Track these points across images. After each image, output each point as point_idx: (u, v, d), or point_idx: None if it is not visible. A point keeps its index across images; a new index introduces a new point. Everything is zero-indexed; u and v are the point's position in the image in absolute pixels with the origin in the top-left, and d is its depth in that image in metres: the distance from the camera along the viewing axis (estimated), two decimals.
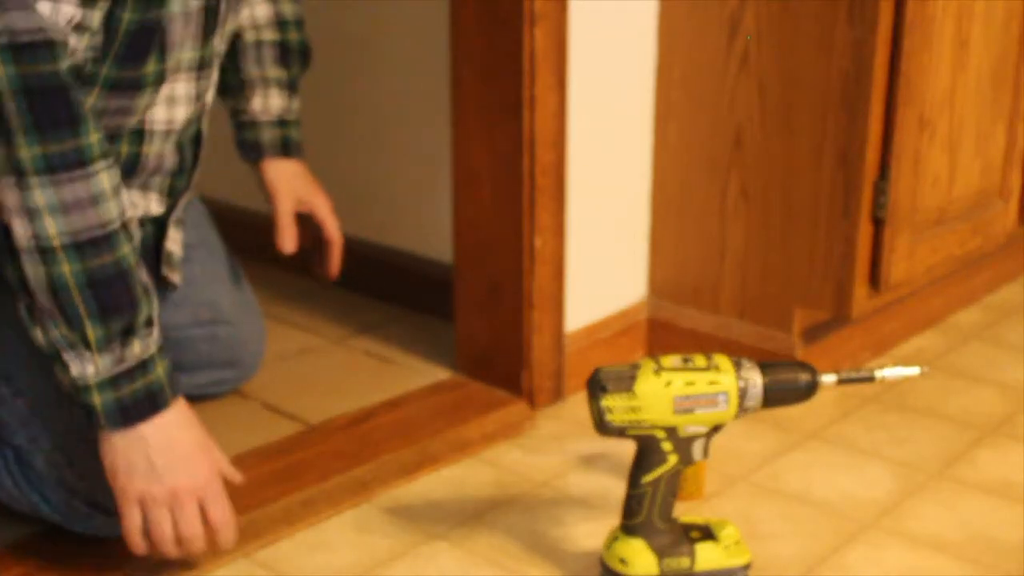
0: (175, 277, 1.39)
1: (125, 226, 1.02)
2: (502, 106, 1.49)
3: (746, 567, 1.18)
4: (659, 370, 1.11)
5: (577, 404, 1.61)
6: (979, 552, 1.26)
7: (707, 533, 1.18)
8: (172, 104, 1.21)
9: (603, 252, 1.67)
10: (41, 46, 0.95)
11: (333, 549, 1.26)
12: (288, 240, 1.48)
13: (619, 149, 1.66)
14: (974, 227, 1.83)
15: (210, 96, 1.28)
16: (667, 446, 1.13)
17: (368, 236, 2.02)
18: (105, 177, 1.00)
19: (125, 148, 1.20)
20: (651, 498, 1.14)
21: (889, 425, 1.56)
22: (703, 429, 1.13)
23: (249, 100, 1.48)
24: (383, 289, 1.98)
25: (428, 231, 1.89)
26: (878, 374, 1.16)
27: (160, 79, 1.15)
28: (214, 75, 1.26)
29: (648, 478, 1.14)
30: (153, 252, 1.35)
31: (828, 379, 1.15)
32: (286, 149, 1.50)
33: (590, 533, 1.29)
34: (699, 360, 1.13)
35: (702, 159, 1.65)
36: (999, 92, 1.80)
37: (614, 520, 1.18)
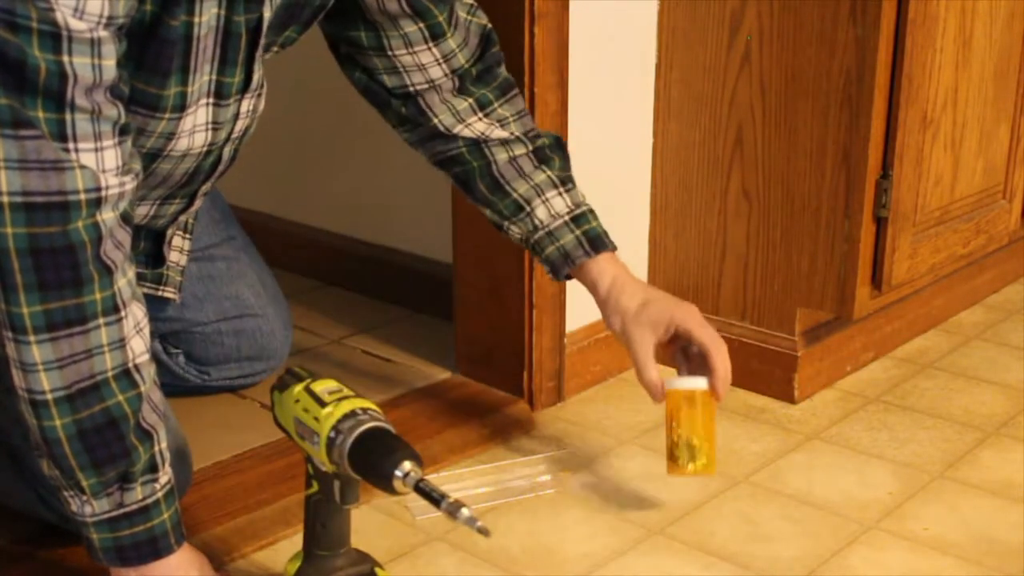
0: (169, 292, 1.37)
1: (127, 373, 0.98)
2: None
3: None
4: (304, 388, 1.04)
5: (578, 405, 1.61)
6: (981, 553, 1.25)
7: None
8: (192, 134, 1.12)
9: None
10: (56, 208, 0.92)
11: None
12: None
13: (620, 148, 1.65)
14: (977, 227, 1.83)
15: (239, 125, 1.16)
16: (310, 469, 1.06)
17: (369, 236, 2.02)
18: (104, 333, 0.97)
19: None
20: (309, 518, 1.08)
21: (891, 426, 1.55)
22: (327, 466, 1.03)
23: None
24: (383, 289, 1.98)
25: (428, 231, 1.89)
26: (460, 513, 0.96)
27: (181, 105, 1.06)
28: (244, 104, 1.14)
29: (306, 493, 1.08)
30: (154, 259, 1.34)
31: (403, 485, 0.98)
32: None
33: (590, 534, 1.28)
34: (345, 394, 1.03)
35: (703, 158, 1.64)
36: (1002, 91, 1.80)
37: (614, 521, 1.17)
